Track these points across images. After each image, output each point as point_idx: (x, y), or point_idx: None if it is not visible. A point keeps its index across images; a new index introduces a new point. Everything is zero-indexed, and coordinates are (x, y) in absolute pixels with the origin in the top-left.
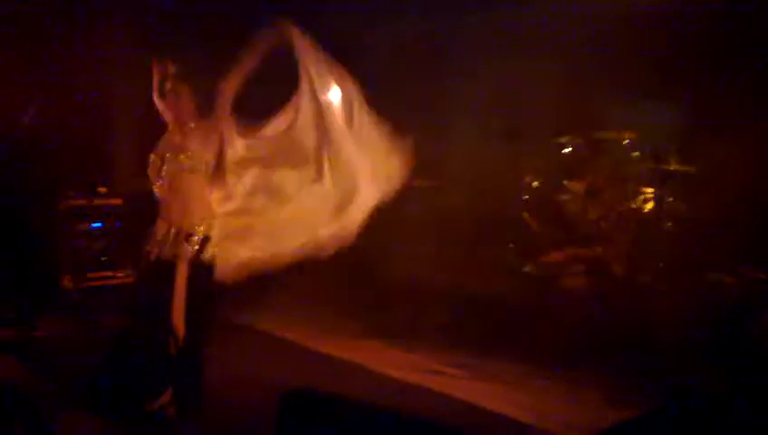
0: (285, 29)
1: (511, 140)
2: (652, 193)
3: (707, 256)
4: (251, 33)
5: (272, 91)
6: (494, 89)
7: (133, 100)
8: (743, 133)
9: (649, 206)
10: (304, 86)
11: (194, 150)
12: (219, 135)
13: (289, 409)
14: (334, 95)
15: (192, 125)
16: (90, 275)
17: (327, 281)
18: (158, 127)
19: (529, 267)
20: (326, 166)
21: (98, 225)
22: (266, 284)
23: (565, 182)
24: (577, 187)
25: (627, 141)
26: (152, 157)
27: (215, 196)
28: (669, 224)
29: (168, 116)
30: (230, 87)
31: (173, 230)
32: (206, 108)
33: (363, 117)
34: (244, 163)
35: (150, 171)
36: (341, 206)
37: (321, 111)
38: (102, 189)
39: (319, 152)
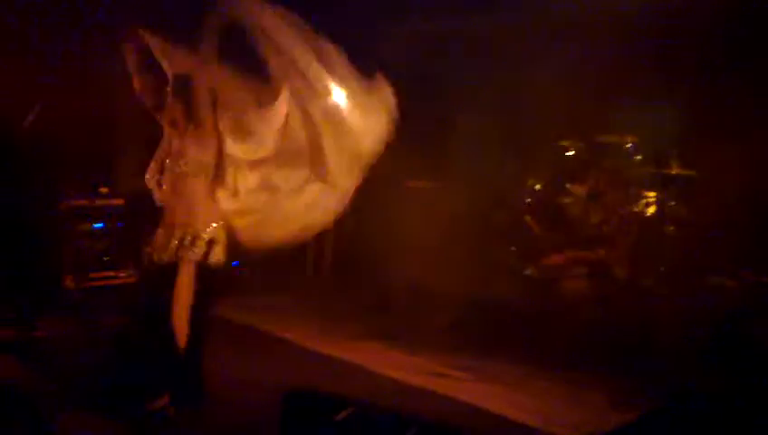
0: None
1: (513, 143)
2: (654, 197)
3: (709, 260)
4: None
5: None
6: (497, 92)
7: (134, 99)
8: (744, 137)
9: (651, 209)
10: (280, 67)
11: (193, 155)
12: (216, 137)
13: (291, 409)
14: (314, 67)
15: (188, 129)
16: (91, 275)
17: (329, 283)
18: (160, 127)
19: (530, 270)
20: (327, 156)
21: (100, 225)
22: (269, 285)
23: (567, 186)
24: (579, 190)
25: (629, 145)
26: (152, 165)
27: (219, 195)
28: (671, 227)
29: (163, 121)
30: (205, 79)
31: (178, 234)
32: (198, 109)
33: (348, 79)
34: (244, 164)
35: (150, 179)
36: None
37: (307, 92)
38: (104, 190)
39: (317, 141)
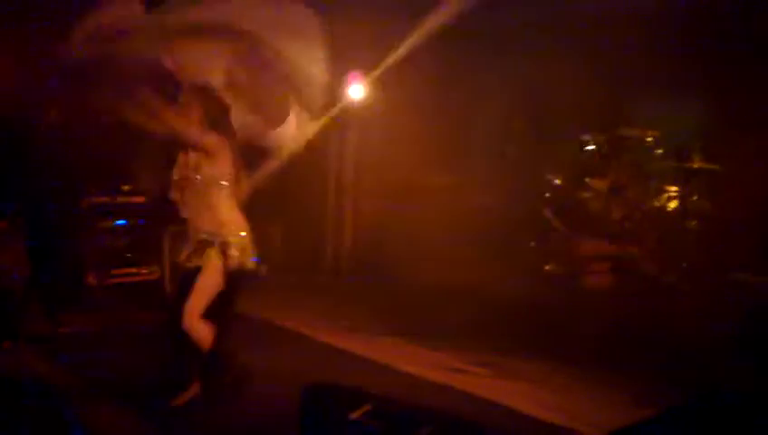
0: None
1: (534, 138)
2: (676, 191)
3: (732, 255)
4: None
5: None
6: (518, 86)
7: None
8: None
9: (673, 204)
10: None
11: (212, 166)
12: (231, 144)
13: (310, 403)
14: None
15: (204, 139)
16: (113, 271)
17: (348, 279)
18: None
19: (551, 266)
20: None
21: (122, 222)
22: (289, 282)
23: (587, 180)
24: (600, 185)
25: (650, 139)
26: (174, 178)
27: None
28: (693, 222)
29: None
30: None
31: (207, 241)
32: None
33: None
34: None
35: (174, 192)
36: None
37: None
38: (126, 187)
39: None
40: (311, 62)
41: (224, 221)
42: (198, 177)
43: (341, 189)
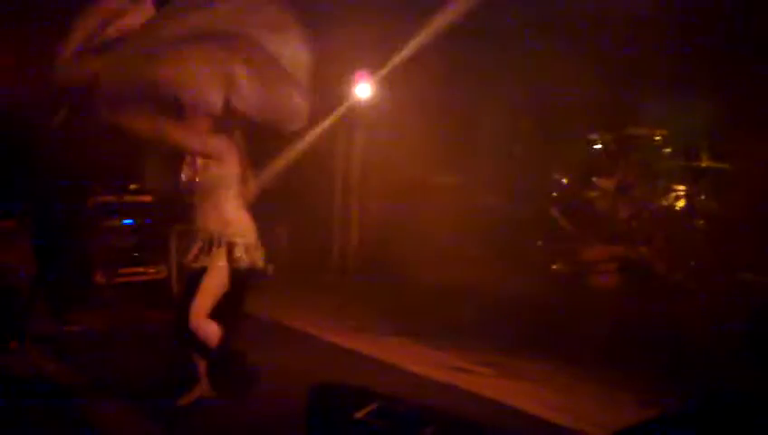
0: None
1: (540, 137)
2: (684, 191)
3: (740, 255)
4: None
5: None
6: (525, 85)
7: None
8: None
9: (681, 203)
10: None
11: (219, 167)
12: (237, 144)
13: (317, 402)
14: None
15: (212, 143)
16: (120, 270)
17: (355, 279)
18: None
19: (558, 265)
20: None
21: (129, 221)
22: (296, 282)
23: (594, 179)
24: (607, 184)
25: (658, 138)
26: (182, 179)
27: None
28: (701, 222)
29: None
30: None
31: (214, 241)
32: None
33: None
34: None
35: (182, 192)
36: None
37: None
38: (133, 186)
39: None
40: (303, 59)
41: (230, 221)
42: (206, 177)
43: (348, 189)
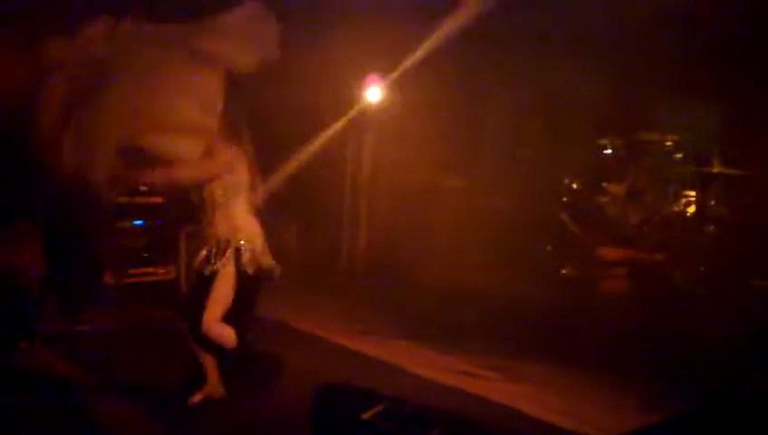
0: None
1: (551, 141)
2: (694, 196)
3: (750, 260)
4: None
5: None
6: (534, 89)
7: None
8: None
9: (692, 209)
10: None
11: (230, 174)
12: (244, 152)
13: (323, 403)
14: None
15: (220, 158)
16: (130, 271)
17: (362, 282)
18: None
19: (567, 270)
20: None
21: (139, 222)
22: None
23: (605, 184)
24: (617, 189)
25: (669, 143)
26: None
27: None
28: (712, 227)
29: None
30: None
31: (222, 246)
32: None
33: None
34: None
35: (193, 197)
36: None
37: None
38: (144, 187)
39: None
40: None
41: (240, 227)
42: (216, 185)
43: (357, 191)
